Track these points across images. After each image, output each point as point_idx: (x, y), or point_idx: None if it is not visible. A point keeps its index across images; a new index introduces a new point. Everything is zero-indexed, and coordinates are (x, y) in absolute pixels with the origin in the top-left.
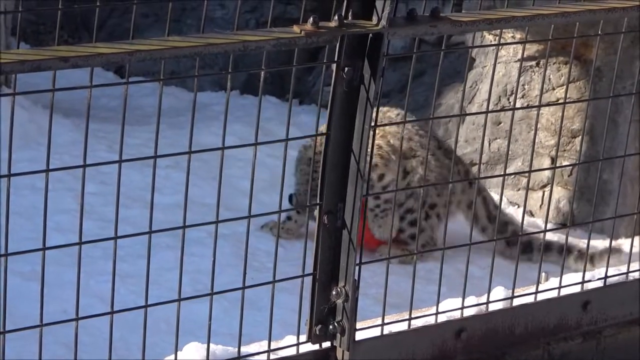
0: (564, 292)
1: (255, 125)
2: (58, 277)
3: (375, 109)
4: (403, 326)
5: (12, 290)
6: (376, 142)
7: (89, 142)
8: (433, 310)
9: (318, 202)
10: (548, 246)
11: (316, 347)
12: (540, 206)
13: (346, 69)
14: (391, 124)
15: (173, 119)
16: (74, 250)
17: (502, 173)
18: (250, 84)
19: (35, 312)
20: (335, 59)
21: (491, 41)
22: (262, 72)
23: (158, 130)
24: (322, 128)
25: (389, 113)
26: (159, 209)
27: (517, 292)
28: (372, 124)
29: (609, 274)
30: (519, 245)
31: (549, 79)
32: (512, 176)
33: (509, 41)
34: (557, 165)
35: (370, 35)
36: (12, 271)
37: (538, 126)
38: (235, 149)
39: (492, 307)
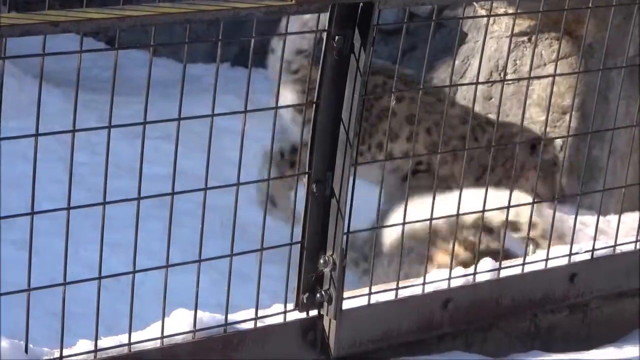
0: (551, 264)
1: (246, 97)
2: (48, 246)
3: (365, 79)
4: (390, 296)
5: (3, 259)
6: None
7: (80, 113)
8: (420, 280)
9: (307, 170)
10: None
11: (303, 315)
12: None
13: (337, 38)
14: (381, 93)
15: (165, 90)
16: (64, 219)
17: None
18: (242, 56)
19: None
20: (326, 28)
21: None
22: (252, 40)
23: (147, 96)
24: None
25: None
26: (149, 179)
27: (504, 263)
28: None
29: (596, 247)
30: (507, 218)
31: (541, 55)
32: None
33: (500, 17)
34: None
35: (361, 4)
36: (4, 240)
37: (529, 102)
38: (227, 122)
39: (479, 278)
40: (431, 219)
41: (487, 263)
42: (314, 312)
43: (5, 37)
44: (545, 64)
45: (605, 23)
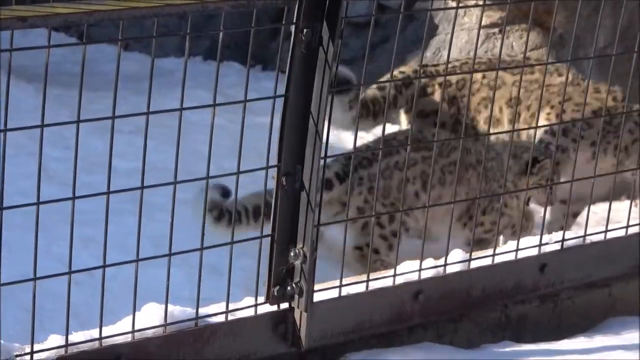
0: (521, 255)
1: (218, 91)
2: (21, 242)
3: (334, 71)
4: (361, 288)
5: None
6: None
7: (52, 108)
8: (391, 272)
9: (277, 164)
10: None
11: (274, 308)
12: None
13: (305, 30)
14: (349, 86)
15: (136, 85)
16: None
17: (461, 136)
18: (214, 50)
19: None
20: (294, 21)
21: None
22: (221, 34)
23: (116, 91)
24: None
25: None
26: (122, 174)
27: (475, 254)
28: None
29: (566, 237)
30: (477, 208)
31: (512, 46)
32: None
33: (471, 9)
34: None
35: None
36: None
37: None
38: (198, 116)
39: (450, 269)
40: (402, 210)
41: (457, 254)
42: (284, 305)
43: None
44: (516, 55)
45: (576, 15)
